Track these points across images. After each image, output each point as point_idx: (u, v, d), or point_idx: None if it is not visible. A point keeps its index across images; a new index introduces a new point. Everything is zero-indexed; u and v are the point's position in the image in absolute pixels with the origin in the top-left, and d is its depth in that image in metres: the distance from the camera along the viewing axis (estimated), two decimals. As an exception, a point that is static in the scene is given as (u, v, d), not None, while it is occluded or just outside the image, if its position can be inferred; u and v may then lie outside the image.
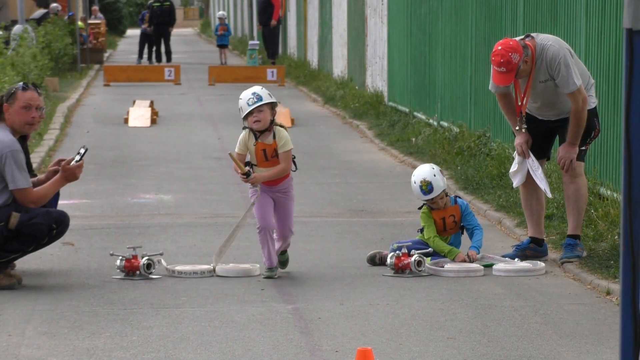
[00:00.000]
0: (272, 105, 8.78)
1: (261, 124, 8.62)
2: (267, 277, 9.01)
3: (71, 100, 26.18)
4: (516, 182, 10.76)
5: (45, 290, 9.90)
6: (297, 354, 7.76)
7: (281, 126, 8.99)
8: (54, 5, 34.10)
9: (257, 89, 8.84)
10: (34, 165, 12.98)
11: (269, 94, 8.78)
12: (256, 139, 8.76)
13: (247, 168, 8.81)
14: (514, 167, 10.82)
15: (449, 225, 10.50)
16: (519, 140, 10.53)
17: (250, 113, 8.57)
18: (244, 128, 8.98)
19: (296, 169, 9.26)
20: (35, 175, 10.39)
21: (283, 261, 9.32)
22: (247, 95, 8.65)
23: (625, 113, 3.38)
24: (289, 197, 9.12)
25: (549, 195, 10.76)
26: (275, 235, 9.09)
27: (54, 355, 7.72)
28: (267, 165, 8.83)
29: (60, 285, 10.13)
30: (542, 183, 10.55)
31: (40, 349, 8.02)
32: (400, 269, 9.94)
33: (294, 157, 9.13)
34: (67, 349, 7.95)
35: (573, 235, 10.41)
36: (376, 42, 24.40)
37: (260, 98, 8.59)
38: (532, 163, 10.45)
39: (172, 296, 9.40)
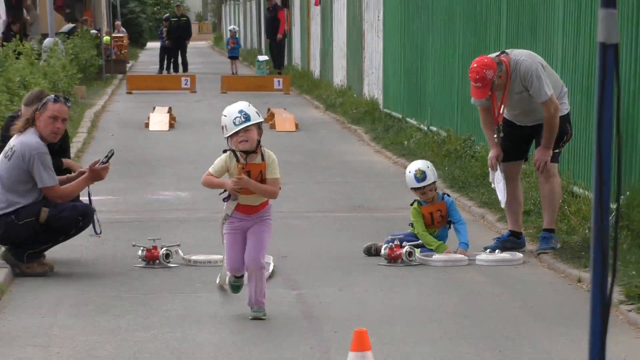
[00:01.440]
0: (259, 125, 7.30)
1: (248, 144, 7.12)
2: (234, 287, 7.76)
3: (97, 106, 26.43)
4: (496, 187, 10.89)
5: (75, 277, 10.00)
6: (301, 334, 7.92)
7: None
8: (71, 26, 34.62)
9: (243, 105, 7.26)
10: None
11: (256, 112, 7.27)
12: (238, 160, 7.26)
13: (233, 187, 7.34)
14: (493, 176, 10.96)
15: (436, 219, 10.55)
16: (491, 154, 10.73)
17: (236, 133, 7.07)
18: (225, 151, 7.46)
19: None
20: (68, 172, 10.45)
21: (257, 314, 7.62)
22: (233, 114, 7.10)
23: (597, 119, 3.42)
24: (266, 227, 7.46)
25: (502, 205, 10.90)
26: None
27: (83, 335, 7.87)
28: (249, 193, 7.28)
29: (88, 272, 10.24)
30: (500, 194, 10.77)
31: (71, 329, 8.14)
32: (393, 259, 10.02)
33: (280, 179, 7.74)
34: (94, 329, 8.07)
35: (548, 229, 10.58)
36: (372, 54, 24.57)
37: (248, 117, 7.06)
38: (498, 175, 10.63)
39: (188, 283, 9.52)
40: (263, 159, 7.10)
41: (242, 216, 7.16)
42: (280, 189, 7.40)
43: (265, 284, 7.31)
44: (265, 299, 7.22)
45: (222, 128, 7.06)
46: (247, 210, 7.15)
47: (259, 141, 7.14)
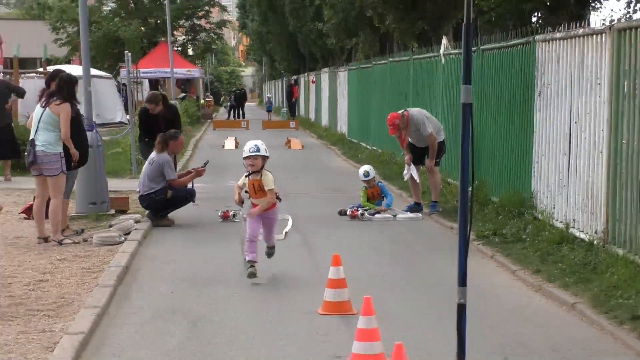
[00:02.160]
0: (264, 157, 8.45)
1: (254, 167, 8.39)
2: (250, 274, 8.57)
3: (197, 137, 31.90)
4: (406, 178, 13.49)
5: (185, 226, 12.51)
6: (301, 255, 10.41)
7: (268, 171, 8.71)
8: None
9: (259, 142, 8.50)
10: (178, 168, 15.10)
11: (265, 148, 8.44)
12: (248, 176, 8.51)
13: (242, 199, 8.70)
14: (405, 171, 13.53)
15: (375, 196, 13.15)
16: (406, 158, 13.35)
17: (248, 157, 8.36)
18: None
19: (280, 200, 8.96)
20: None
21: (270, 253, 9.06)
22: (250, 145, 8.40)
23: (462, 142, 4.15)
24: (274, 220, 8.85)
25: (416, 178, 13.19)
26: (263, 239, 8.91)
27: (192, 255, 10.42)
28: (256, 196, 8.51)
29: (192, 224, 12.72)
30: (406, 177, 13.32)
31: (184, 251, 10.66)
32: (353, 217, 12.72)
33: (278, 193, 8.83)
34: (197, 250, 10.65)
35: (434, 201, 13.27)
36: (341, 109, 30.62)
37: (257, 150, 8.33)
38: (413, 168, 13.24)
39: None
40: (261, 177, 8.34)
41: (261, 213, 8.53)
42: (277, 195, 8.63)
43: (274, 243, 8.95)
44: (274, 243, 8.94)
45: (242, 151, 8.49)
46: (263, 210, 8.51)
47: (262, 166, 8.36)
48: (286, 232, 11.41)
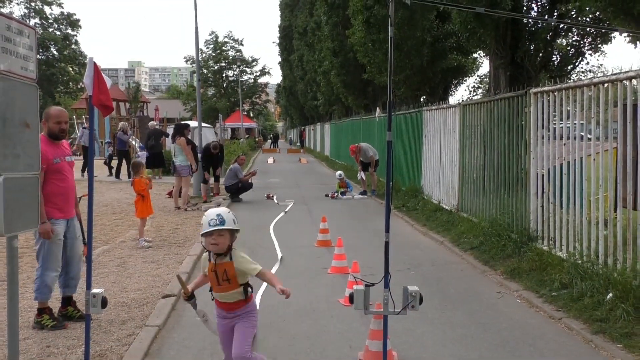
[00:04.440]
0: (232, 232, 3.77)
1: (218, 247, 3.73)
2: None
3: (254, 156, 34.42)
4: (359, 177, 14.26)
5: (246, 202, 13.26)
6: (305, 213, 11.56)
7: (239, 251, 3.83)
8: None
9: (223, 211, 3.78)
10: (244, 172, 15.14)
11: (233, 219, 3.76)
12: (209, 259, 3.80)
13: (190, 291, 3.89)
14: (358, 175, 14.42)
15: (343, 186, 14.43)
16: (359, 168, 14.00)
17: (210, 234, 3.69)
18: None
19: (247, 296, 3.85)
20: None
21: None
22: (211, 215, 3.74)
23: (387, 159, 3.95)
24: (249, 322, 3.84)
25: (364, 178, 13.76)
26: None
27: (248, 214, 11.14)
28: (219, 290, 3.78)
29: (252, 200, 13.63)
30: (363, 176, 14.02)
31: (245, 213, 11.25)
32: (332, 197, 14.06)
33: (249, 286, 3.87)
34: (251, 214, 11.34)
35: (373, 189, 14.24)
36: (326, 142, 34.14)
37: (223, 222, 3.70)
38: (362, 173, 14.07)
39: (280, 207, 12.52)
40: (231, 259, 3.75)
41: (225, 314, 3.86)
42: (260, 272, 3.76)
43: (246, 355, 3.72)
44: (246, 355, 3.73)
45: (200, 225, 3.81)
46: (227, 307, 3.84)
47: (229, 246, 3.79)
48: (285, 212, 11.84)
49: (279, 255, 7.89)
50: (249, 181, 14.20)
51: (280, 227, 9.99)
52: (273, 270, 6.93)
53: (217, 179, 14.22)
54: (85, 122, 28.80)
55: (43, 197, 4.84)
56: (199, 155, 13.65)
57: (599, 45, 11.95)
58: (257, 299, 5.74)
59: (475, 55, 18.19)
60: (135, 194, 8.58)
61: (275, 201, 13.41)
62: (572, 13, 10.73)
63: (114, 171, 18.77)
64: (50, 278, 5.05)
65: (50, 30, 57.65)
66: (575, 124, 6.42)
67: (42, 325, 5.04)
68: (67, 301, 5.30)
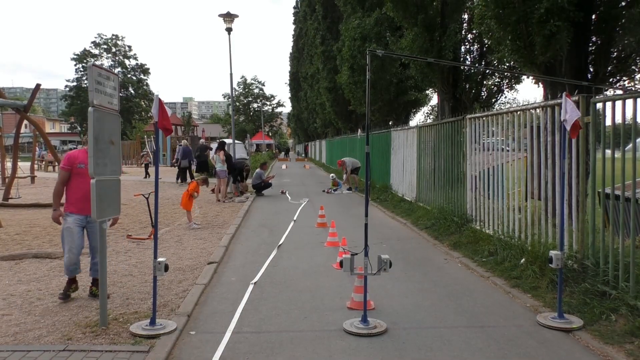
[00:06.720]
0: None
1: None
2: None
3: (273, 164, 31.73)
4: (344, 179, 13.30)
5: (266, 197, 12.64)
6: (308, 204, 11.10)
7: None
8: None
9: None
10: (266, 174, 15.42)
11: None
12: None
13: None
14: (344, 177, 13.32)
15: (335, 184, 13.97)
16: (348, 173, 13.06)
17: None
18: None
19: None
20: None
21: None
22: None
23: (365, 165, 5.11)
24: None
25: (345, 188, 13.15)
26: None
27: (267, 206, 10.52)
28: None
29: (271, 195, 12.93)
30: (344, 186, 13.44)
31: (265, 204, 10.89)
32: (328, 193, 13.53)
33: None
34: (270, 205, 10.76)
35: (356, 187, 13.67)
36: (323, 154, 32.00)
37: None
38: (345, 176, 13.26)
39: (291, 201, 11.88)
40: None
41: None
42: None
43: None
44: None
45: None
46: None
47: None
48: (303, 205, 11.28)
49: (291, 223, 8.01)
50: (269, 181, 13.92)
51: (291, 213, 9.77)
52: (286, 234, 7.21)
53: (244, 180, 13.74)
54: (152, 140, 28.99)
55: (65, 192, 4.40)
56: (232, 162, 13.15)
57: (514, 85, 12.02)
58: (274, 264, 5.82)
59: (427, 91, 17.98)
60: (188, 191, 8.34)
61: (288, 197, 12.83)
62: (495, 62, 10.83)
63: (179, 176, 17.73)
64: (66, 259, 4.49)
65: (129, 75, 58.23)
66: (497, 139, 6.44)
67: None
68: (95, 282, 4.79)
